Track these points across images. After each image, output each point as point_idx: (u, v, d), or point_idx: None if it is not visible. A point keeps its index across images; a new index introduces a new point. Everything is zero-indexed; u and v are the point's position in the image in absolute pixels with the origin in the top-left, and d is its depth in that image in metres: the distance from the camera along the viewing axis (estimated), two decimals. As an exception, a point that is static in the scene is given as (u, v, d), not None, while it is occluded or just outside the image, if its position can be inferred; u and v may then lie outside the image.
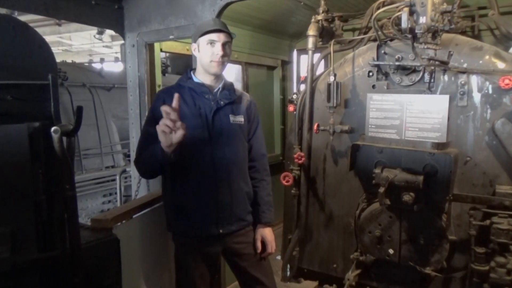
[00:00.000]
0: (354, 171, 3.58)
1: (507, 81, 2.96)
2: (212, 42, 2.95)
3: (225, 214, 3.06)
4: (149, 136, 3.02)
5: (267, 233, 3.27)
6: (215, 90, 3.10)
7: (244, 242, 3.21)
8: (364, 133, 3.50)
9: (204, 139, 3.00)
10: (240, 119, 3.14)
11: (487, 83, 3.09)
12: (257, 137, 3.30)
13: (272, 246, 3.28)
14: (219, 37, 2.94)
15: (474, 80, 3.13)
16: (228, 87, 3.17)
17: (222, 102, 3.07)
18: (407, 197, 3.12)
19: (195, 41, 3.05)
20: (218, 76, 3.09)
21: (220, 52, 2.94)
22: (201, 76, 3.10)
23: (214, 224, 3.05)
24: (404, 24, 2.75)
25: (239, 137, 3.14)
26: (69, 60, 14.97)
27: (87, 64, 16.28)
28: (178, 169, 3.04)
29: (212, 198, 3.01)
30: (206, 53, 2.98)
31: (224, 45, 2.95)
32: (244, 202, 3.18)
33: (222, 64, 3.01)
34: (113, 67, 17.76)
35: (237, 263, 3.26)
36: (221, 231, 3.07)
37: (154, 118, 3.00)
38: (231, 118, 3.09)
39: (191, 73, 3.16)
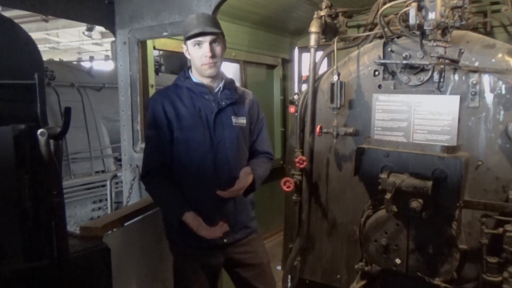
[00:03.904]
0: (359, 176, 3.58)
1: (521, 80, 2.96)
2: (199, 44, 2.96)
3: (230, 223, 3.06)
4: (155, 142, 3.09)
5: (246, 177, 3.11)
6: (216, 90, 3.10)
7: (247, 252, 3.21)
8: (370, 135, 3.50)
9: (205, 144, 3.00)
10: (242, 120, 3.14)
11: (500, 82, 3.09)
12: (262, 138, 3.32)
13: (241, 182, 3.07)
14: (205, 37, 2.94)
15: (486, 79, 3.14)
16: (229, 86, 3.17)
17: (223, 103, 3.06)
18: (415, 203, 3.12)
19: (184, 43, 3.06)
20: (216, 76, 3.09)
21: (208, 53, 2.93)
22: (198, 77, 3.10)
23: None
24: (412, 20, 2.75)
25: (241, 140, 3.14)
26: (56, 59, 14.98)
27: (75, 62, 16.30)
28: (178, 176, 3.06)
29: (216, 206, 3.01)
30: (196, 55, 2.99)
31: (212, 43, 2.94)
32: (248, 209, 3.21)
33: (215, 65, 3.00)
34: (103, 66, 17.79)
35: (239, 274, 3.26)
36: (225, 240, 3.08)
37: (156, 123, 3.04)
38: (233, 119, 3.09)
39: (189, 72, 3.16)
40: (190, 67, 3.19)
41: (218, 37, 2.98)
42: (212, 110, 3.03)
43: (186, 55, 3.10)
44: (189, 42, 2.99)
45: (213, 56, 2.95)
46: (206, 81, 3.08)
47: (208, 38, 2.93)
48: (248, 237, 3.23)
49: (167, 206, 3.09)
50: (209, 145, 3.01)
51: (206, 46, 2.93)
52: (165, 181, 3.08)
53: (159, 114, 3.05)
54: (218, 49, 2.98)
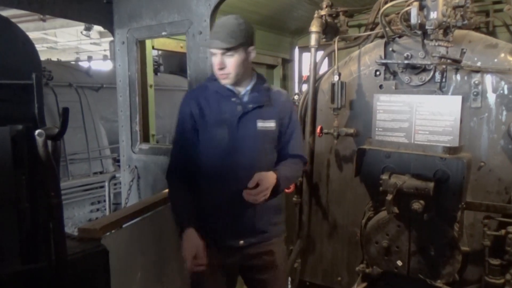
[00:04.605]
0: (359, 177, 3.58)
1: (523, 80, 2.97)
2: (213, 54, 2.95)
3: (246, 227, 3.01)
4: (180, 144, 3.13)
5: (267, 176, 2.92)
6: (243, 93, 3.07)
7: (262, 256, 3.16)
8: (371, 136, 3.51)
9: (227, 147, 2.96)
10: (271, 124, 3.05)
11: (503, 83, 3.10)
12: (294, 142, 3.19)
13: (262, 190, 2.87)
14: (216, 50, 2.91)
15: (489, 79, 3.14)
16: (259, 88, 3.10)
17: (250, 106, 3.00)
18: (417, 205, 3.12)
19: None
20: (240, 81, 3.05)
21: (216, 66, 2.92)
22: None
23: (234, 236, 3.03)
24: (414, 19, 2.76)
25: (267, 145, 3.07)
26: (54, 58, 14.97)
27: (73, 62, 16.30)
28: (201, 177, 3.07)
29: (233, 210, 2.96)
30: (213, 63, 2.99)
31: (224, 55, 2.89)
32: (270, 215, 3.12)
33: (227, 77, 2.94)
34: (102, 66, 17.81)
35: (251, 277, 3.23)
36: (241, 242, 3.05)
37: (182, 125, 3.08)
38: (259, 123, 3.01)
39: None
40: None
41: (234, 49, 2.89)
42: (236, 113, 2.99)
43: None
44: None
45: (222, 68, 2.92)
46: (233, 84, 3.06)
47: (220, 50, 2.88)
48: (269, 241, 3.16)
49: (177, 213, 3.09)
50: (229, 149, 2.97)
51: (217, 58, 2.91)
52: (183, 186, 3.08)
53: (184, 117, 3.07)
54: (230, 61, 2.91)
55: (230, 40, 2.86)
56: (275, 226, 3.17)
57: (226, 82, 2.98)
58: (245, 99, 3.03)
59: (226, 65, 2.91)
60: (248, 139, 2.98)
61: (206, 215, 3.03)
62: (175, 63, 13.22)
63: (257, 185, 2.85)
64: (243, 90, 3.05)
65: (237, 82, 3.01)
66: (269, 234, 3.14)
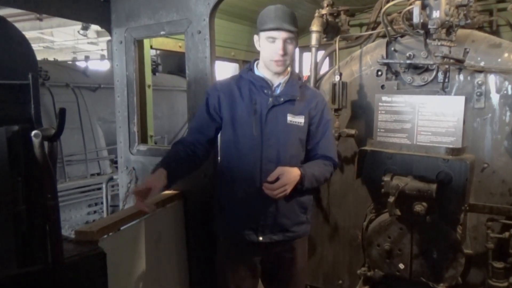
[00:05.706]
0: (361, 179, 3.58)
1: (527, 81, 2.97)
2: (272, 39, 2.93)
3: (267, 223, 3.00)
4: (195, 124, 3.20)
5: (289, 171, 2.88)
6: (276, 85, 3.07)
7: (282, 254, 3.16)
8: (372, 137, 3.50)
9: (254, 138, 2.97)
10: (300, 120, 3.05)
11: (506, 83, 3.10)
12: (325, 142, 3.15)
13: (280, 186, 2.82)
14: (280, 34, 2.89)
15: (492, 79, 3.14)
16: (292, 83, 3.10)
17: (282, 99, 3.01)
18: (419, 207, 3.12)
19: (257, 33, 3.03)
20: (281, 72, 3.07)
21: (280, 51, 2.89)
22: (263, 70, 3.07)
23: (254, 230, 3.02)
24: (416, 19, 2.76)
25: (296, 140, 3.07)
26: (51, 58, 14.98)
27: (70, 62, 16.28)
28: (225, 168, 3.09)
29: (255, 204, 2.97)
30: (266, 50, 2.95)
31: (286, 41, 2.90)
32: (294, 212, 3.09)
33: (284, 63, 2.96)
34: (99, 66, 17.78)
35: (269, 273, 3.23)
36: (261, 238, 3.03)
37: (205, 108, 3.13)
38: (289, 117, 3.01)
39: (254, 64, 3.13)
40: (256, 59, 3.16)
41: (293, 36, 2.94)
42: (266, 105, 3.00)
43: (257, 46, 3.05)
44: (263, 35, 2.95)
45: (285, 54, 2.92)
46: (269, 75, 3.05)
47: (283, 35, 2.89)
48: (292, 241, 3.14)
49: (161, 160, 3.10)
50: (257, 140, 2.97)
51: (279, 43, 2.90)
52: (180, 147, 3.11)
53: (210, 103, 3.12)
54: (290, 47, 2.94)
55: (295, 25, 2.94)
56: (299, 226, 3.14)
57: (279, 69, 2.99)
58: (277, 92, 3.05)
59: (287, 52, 2.93)
60: (276, 132, 2.99)
61: (226, 207, 3.07)
62: (173, 63, 13.23)
63: (278, 179, 2.84)
64: (277, 82, 3.06)
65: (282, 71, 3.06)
66: (293, 234, 3.11)
